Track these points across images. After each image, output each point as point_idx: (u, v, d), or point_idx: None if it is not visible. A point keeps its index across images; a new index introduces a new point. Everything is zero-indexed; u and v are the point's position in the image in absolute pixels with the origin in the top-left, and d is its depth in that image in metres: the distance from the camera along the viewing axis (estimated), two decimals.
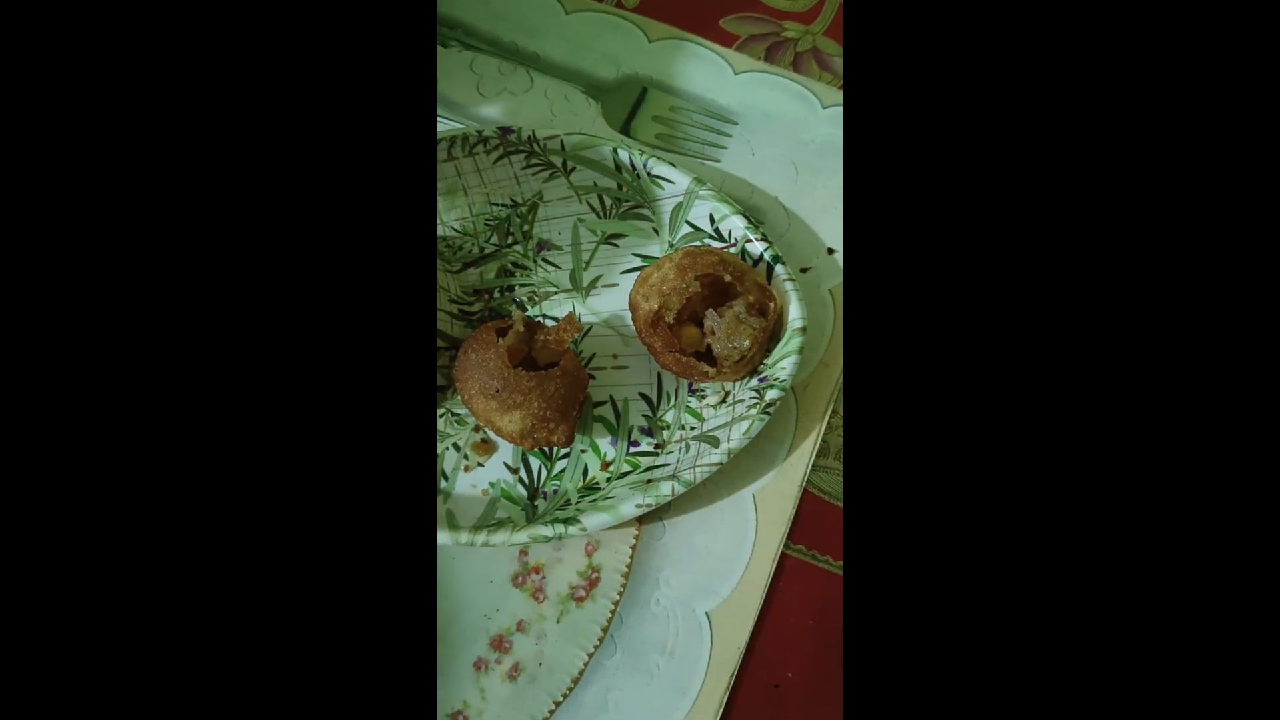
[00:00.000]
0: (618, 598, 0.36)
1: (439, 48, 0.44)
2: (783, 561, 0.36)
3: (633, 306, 0.37)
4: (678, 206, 0.39)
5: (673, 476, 0.35)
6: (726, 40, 0.45)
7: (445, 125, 0.42)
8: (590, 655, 0.35)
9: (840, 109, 0.42)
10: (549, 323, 0.39)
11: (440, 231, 0.40)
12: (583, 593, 0.36)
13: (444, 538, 0.34)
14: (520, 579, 0.36)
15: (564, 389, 0.34)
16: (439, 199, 0.40)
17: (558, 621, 0.35)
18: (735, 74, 0.44)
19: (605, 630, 0.35)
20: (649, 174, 0.39)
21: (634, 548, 0.36)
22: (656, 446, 0.37)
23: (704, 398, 0.38)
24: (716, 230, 0.39)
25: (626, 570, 0.36)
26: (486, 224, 0.40)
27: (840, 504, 0.37)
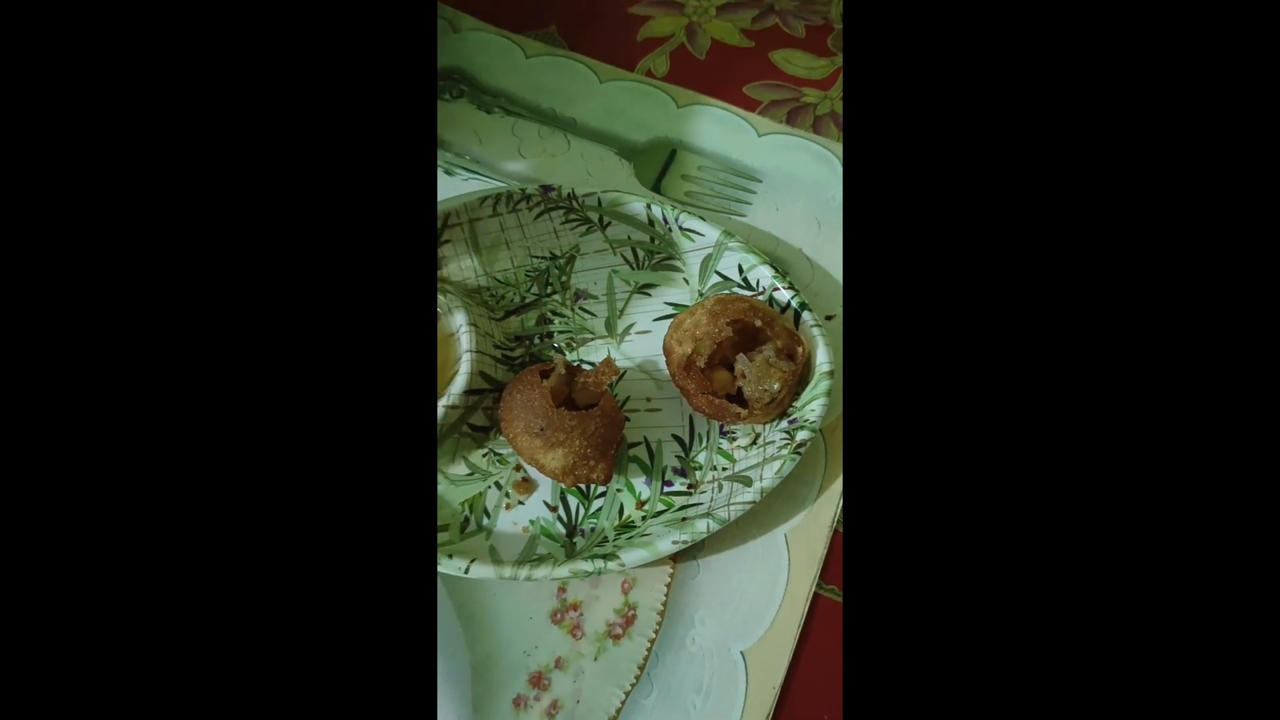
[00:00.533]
0: (654, 635, 0.36)
1: (483, 114, 0.47)
2: (816, 601, 0.37)
3: (667, 350, 0.39)
4: (707, 258, 0.42)
5: (707, 514, 0.36)
6: (750, 105, 0.48)
7: (489, 184, 0.45)
8: (627, 694, 0.35)
9: None
10: (586, 367, 0.41)
11: (484, 282, 0.43)
12: (619, 630, 0.36)
13: (488, 571, 0.35)
14: (559, 615, 0.37)
15: (603, 428, 0.35)
16: (483, 253, 0.42)
17: (595, 659, 0.36)
18: (759, 136, 0.47)
19: (642, 669, 0.36)
20: (680, 227, 0.41)
21: (669, 585, 0.37)
22: (690, 486, 0.38)
23: (735, 439, 0.39)
24: (745, 279, 0.41)
25: (662, 608, 0.37)
26: (528, 275, 0.43)
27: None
